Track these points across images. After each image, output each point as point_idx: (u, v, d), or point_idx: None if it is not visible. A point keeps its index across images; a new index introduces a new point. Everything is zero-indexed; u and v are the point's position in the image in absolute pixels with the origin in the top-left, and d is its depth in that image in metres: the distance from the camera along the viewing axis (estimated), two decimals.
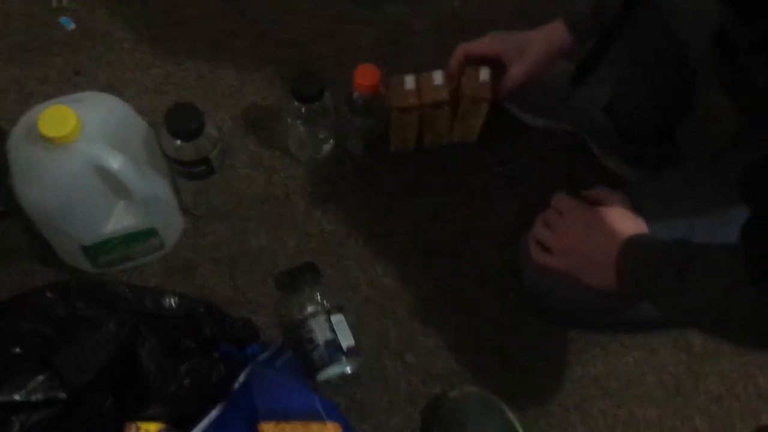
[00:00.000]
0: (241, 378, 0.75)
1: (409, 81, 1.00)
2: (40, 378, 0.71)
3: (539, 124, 1.13)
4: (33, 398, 0.70)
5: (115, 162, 0.82)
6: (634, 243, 0.79)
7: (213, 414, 0.70)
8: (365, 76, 0.97)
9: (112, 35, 1.19)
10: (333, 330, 0.89)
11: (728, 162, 0.83)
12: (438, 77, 1.01)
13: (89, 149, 0.82)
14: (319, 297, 0.92)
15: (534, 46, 0.98)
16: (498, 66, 1.02)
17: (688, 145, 1.04)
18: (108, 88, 1.13)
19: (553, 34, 0.97)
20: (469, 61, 1.02)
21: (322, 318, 0.90)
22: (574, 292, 0.88)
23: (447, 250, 1.06)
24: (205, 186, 1.00)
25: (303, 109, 1.01)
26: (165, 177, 0.95)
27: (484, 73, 1.01)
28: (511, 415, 0.89)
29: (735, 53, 0.64)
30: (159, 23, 1.20)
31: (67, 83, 1.15)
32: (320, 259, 1.03)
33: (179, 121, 0.89)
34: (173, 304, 0.81)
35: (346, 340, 0.89)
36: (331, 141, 1.10)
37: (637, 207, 0.86)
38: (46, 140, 0.80)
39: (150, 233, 0.95)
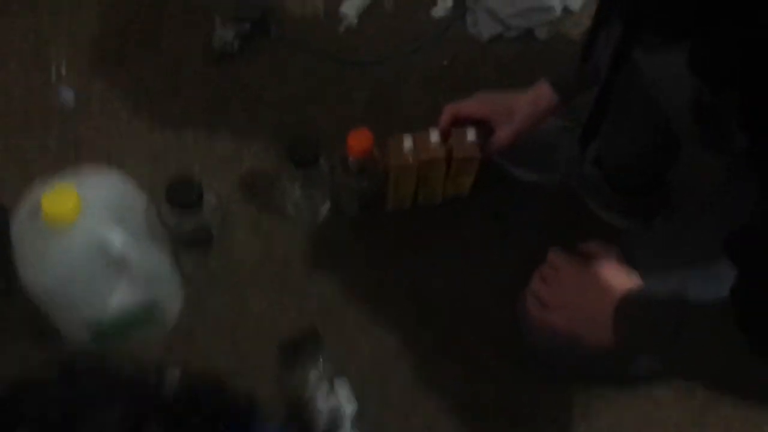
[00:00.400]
0: None
1: (407, 140, 1.02)
2: None
3: (531, 178, 1.15)
4: None
5: (117, 240, 0.84)
6: (629, 300, 0.80)
7: None
8: (359, 140, 0.99)
9: (111, 104, 1.22)
10: (336, 396, 0.90)
11: (718, 212, 0.84)
12: (434, 136, 1.03)
13: (92, 229, 0.84)
14: (321, 364, 0.93)
15: (520, 107, 1.00)
16: (486, 126, 1.04)
17: (677, 195, 1.06)
18: (107, 158, 1.15)
19: (539, 95, 1.00)
20: (457, 122, 1.04)
21: (325, 385, 0.90)
22: (575, 348, 0.89)
23: (446, 307, 1.06)
24: (205, 254, 1.01)
25: (299, 173, 1.03)
26: (166, 249, 0.97)
27: (471, 134, 1.03)
28: None
29: (712, 120, 0.66)
30: (156, 90, 1.23)
31: (66, 154, 1.17)
32: (322, 322, 1.04)
33: (179, 194, 0.91)
34: (175, 380, 0.82)
35: (350, 406, 0.90)
36: (328, 203, 1.12)
37: (630, 260, 0.87)
38: (51, 221, 0.81)
39: (152, 306, 0.96)
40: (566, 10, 1.30)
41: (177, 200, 0.91)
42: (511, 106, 1.00)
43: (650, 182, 1.07)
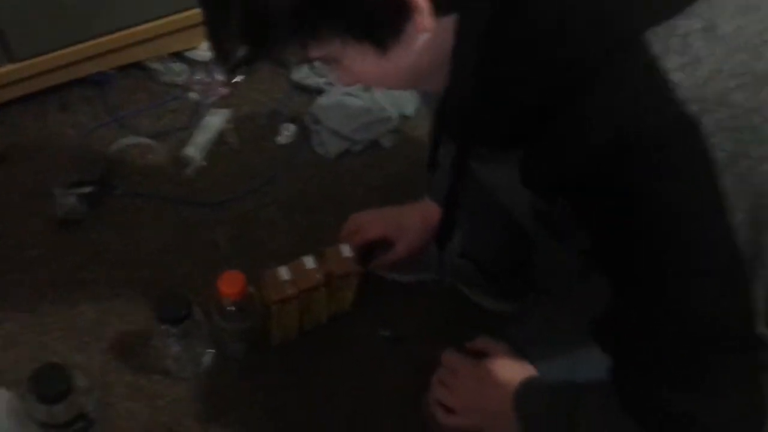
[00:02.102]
0: None
1: (283, 272, 1.01)
2: None
3: (407, 280, 1.17)
4: None
5: None
6: (524, 391, 0.83)
7: None
8: (230, 283, 0.97)
9: None
10: None
11: (584, 295, 0.89)
12: (309, 262, 1.02)
13: None
14: None
15: (412, 223, 1.05)
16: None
17: (543, 274, 1.12)
18: None
19: (427, 213, 1.04)
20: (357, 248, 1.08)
21: None
22: None
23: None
24: None
25: (173, 329, 0.98)
26: None
27: (346, 250, 1.04)
28: None
29: (552, 223, 0.71)
30: (2, 272, 1.15)
31: None
32: None
33: (45, 386, 0.84)
34: None
35: None
36: (210, 351, 1.07)
37: (518, 350, 0.90)
38: None
39: None
40: (402, 116, 1.37)
41: (44, 394, 0.84)
42: (401, 221, 1.05)
43: (516, 265, 1.12)
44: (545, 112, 0.56)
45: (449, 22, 0.58)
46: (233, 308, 1.00)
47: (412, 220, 1.06)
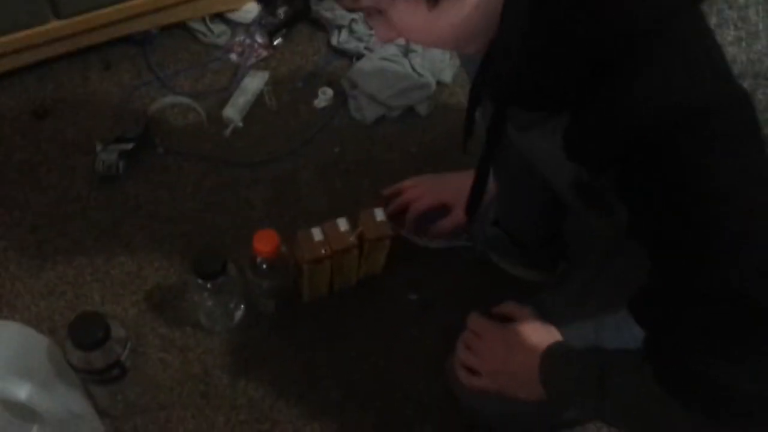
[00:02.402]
0: None
1: (317, 233, 1.02)
2: None
3: (438, 245, 1.17)
4: None
5: (22, 392, 0.78)
6: (551, 355, 0.83)
7: None
8: (265, 242, 0.98)
9: None
10: None
11: (616, 264, 0.88)
12: (343, 224, 1.03)
13: None
14: None
15: (468, 187, 1.04)
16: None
17: (575, 244, 1.11)
18: None
19: None
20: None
21: None
22: (511, 407, 0.90)
23: (378, 390, 1.05)
24: (119, 385, 0.96)
25: (208, 284, 1.00)
26: (77, 388, 0.91)
27: (379, 213, 1.05)
28: None
29: (592, 195, 0.70)
30: (43, 225, 1.18)
31: None
32: (253, 429, 1.00)
33: (83, 333, 0.86)
34: None
35: None
36: (242, 306, 1.09)
37: (545, 315, 0.90)
38: None
39: None
40: (440, 83, 1.37)
41: (82, 341, 0.86)
42: (458, 188, 1.04)
43: (548, 235, 1.12)
44: (595, 75, 0.55)
45: None
46: (266, 266, 1.02)
47: (467, 186, 1.05)
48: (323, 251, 1.01)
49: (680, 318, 0.61)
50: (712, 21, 0.51)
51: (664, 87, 0.52)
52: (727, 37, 0.51)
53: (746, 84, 0.51)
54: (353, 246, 1.03)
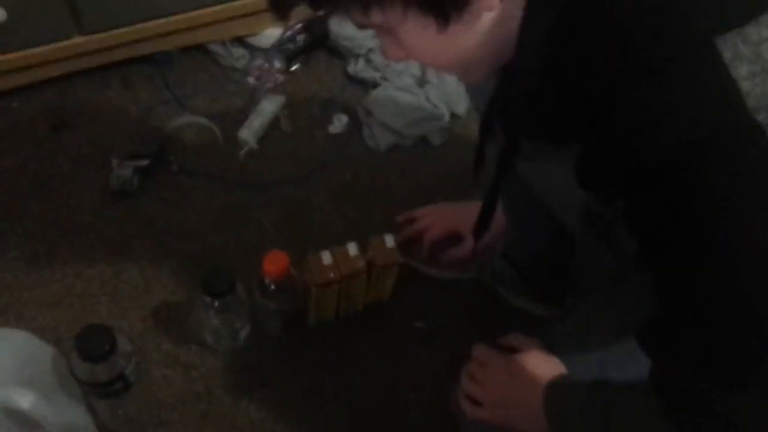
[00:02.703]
0: None
1: (327, 256, 1.02)
2: None
3: (446, 276, 1.17)
4: None
5: (25, 401, 0.78)
6: (555, 388, 0.82)
7: None
8: (274, 263, 0.99)
9: (5, 256, 1.16)
10: None
11: (623, 297, 0.89)
12: (353, 249, 1.04)
13: None
14: None
15: None
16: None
17: (582, 278, 1.11)
18: (6, 310, 1.09)
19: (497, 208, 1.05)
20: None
21: None
22: None
23: (381, 418, 1.04)
24: (122, 400, 0.96)
25: (216, 303, 1.00)
26: (79, 400, 0.91)
27: (390, 240, 1.05)
28: None
29: (602, 226, 0.71)
30: (54, 236, 1.18)
31: None
32: None
33: (89, 345, 0.86)
34: None
35: None
36: (248, 327, 1.09)
37: (551, 347, 0.90)
38: None
39: None
40: (454, 115, 1.38)
41: (88, 353, 0.86)
42: (471, 217, 1.03)
43: (555, 270, 1.12)
44: (609, 102, 0.56)
45: (516, 3, 0.59)
46: (274, 287, 1.02)
47: None
48: (332, 275, 1.01)
49: (688, 349, 0.61)
50: (727, 56, 0.52)
51: (678, 118, 0.53)
52: (741, 72, 0.52)
53: (760, 118, 0.51)
54: (362, 271, 1.03)
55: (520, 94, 0.63)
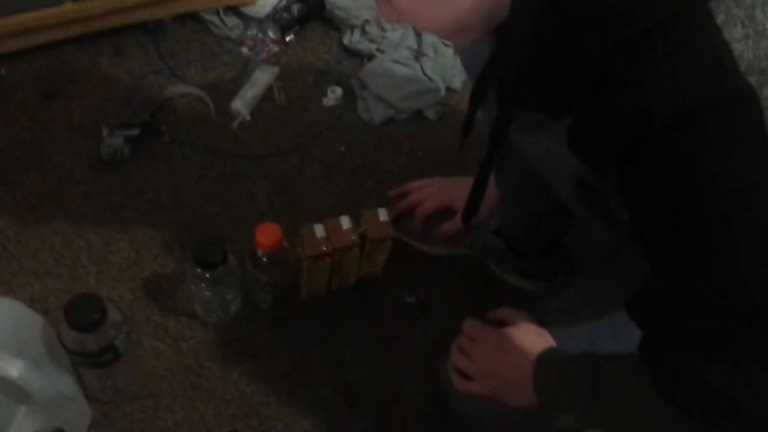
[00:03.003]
0: None
1: (319, 229, 1.02)
2: None
3: (438, 252, 1.17)
4: None
5: (14, 370, 0.78)
6: (545, 361, 0.82)
7: None
8: (267, 235, 0.98)
9: None
10: None
11: (616, 270, 0.89)
12: (346, 222, 1.03)
13: None
14: None
15: None
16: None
17: (577, 253, 1.11)
18: None
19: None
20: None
21: None
22: (503, 413, 0.89)
23: (371, 391, 1.04)
24: (111, 370, 0.95)
25: (207, 274, 1.00)
26: (68, 370, 0.90)
27: (383, 214, 1.04)
28: None
29: (595, 197, 0.70)
30: (43, 205, 1.17)
31: None
32: (242, 424, 1.00)
33: (79, 314, 0.86)
34: None
35: None
36: (239, 299, 1.09)
37: (541, 320, 0.90)
38: None
39: None
40: (449, 89, 1.37)
41: (77, 323, 0.86)
42: (462, 193, 1.03)
43: (549, 246, 1.12)
44: (602, 72, 0.55)
45: None
46: (266, 260, 1.02)
47: None
48: (324, 248, 1.01)
49: (678, 318, 0.61)
50: (720, 18, 0.51)
51: (670, 84, 0.52)
52: (734, 35, 0.51)
53: (753, 80, 0.51)
54: (355, 244, 1.03)
55: (512, 62, 0.63)
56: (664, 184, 0.55)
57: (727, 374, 0.59)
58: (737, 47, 0.51)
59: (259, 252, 1.01)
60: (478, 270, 1.16)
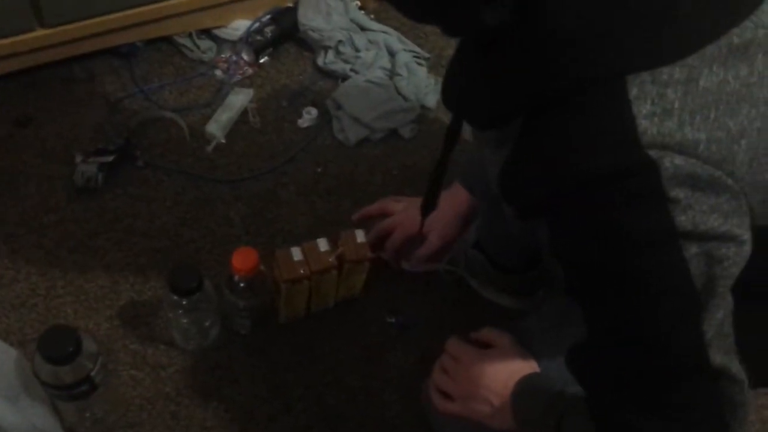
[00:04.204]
0: None
1: (296, 252, 1.01)
2: None
3: (417, 270, 1.16)
4: None
5: None
6: (522, 390, 0.83)
7: None
8: (243, 260, 0.98)
9: None
10: None
11: None
12: (323, 244, 1.03)
13: None
14: None
15: (442, 213, 1.03)
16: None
17: (554, 268, 1.11)
18: None
19: (457, 197, 1.04)
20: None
21: None
22: None
23: (351, 415, 1.04)
24: (88, 402, 0.94)
25: (184, 301, 0.99)
26: (44, 404, 0.89)
27: (360, 235, 1.04)
28: None
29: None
30: (18, 234, 1.16)
31: None
32: None
33: (53, 346, 0.84)
34: None
35: None
36: (217, 325, 1.08)
37: (523, 342, 0.90)
38: None
39: None
40: (424, 107, 1.37)
41: (51, 355, 0.84)
42: (435, 215, 1.03)
43: (528, 259, 1.12)
44: (527, 112, 0.58)
45: None
46: (244, 284, 1.01)
47: (443, 210, 1.05)
48: (302, 271, 1.00)
49: (610, 373, 0.64)
50: (633, 92, 0.54)
51: (581, 147, 0.55)
52: (642, 110, 0.54)
53: (653, 153, 0.54)
54: (332, 267, 1.02)
55: (461, 68, 0.65)
56: (581, 238, 0.59)
57: (657, 427, 0.62)
58: (642, 123, 0.54)
59: (236, 277, 1.00)
60: (459, 287, 1.16)
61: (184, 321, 1.02)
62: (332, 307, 1.12)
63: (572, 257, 0.61)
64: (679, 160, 0.53)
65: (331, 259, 1.02)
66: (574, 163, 0.56)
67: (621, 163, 0.54)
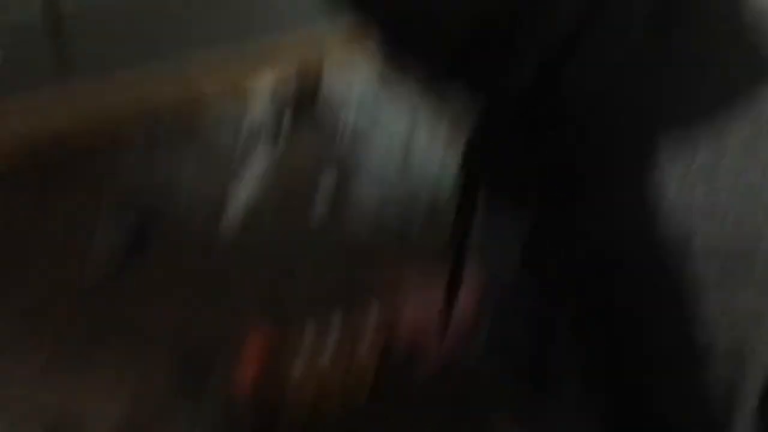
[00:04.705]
0: None
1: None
2: None
3: None
4: None
5: None
6: None
7: None
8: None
9: None
10: None
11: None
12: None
13: None
14: None
15: None
16: None
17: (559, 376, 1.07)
18: None
19: None
20: None
21: None
22: None
23: None
24: None
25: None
26: None
27: None
28: None
29: None
30: (21, 328, 1.15)
31: None
32: None
33: None
34: None
35: None
36: None
37: None
38: None
39: None
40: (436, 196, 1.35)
41: None
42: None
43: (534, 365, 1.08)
44: (552, 196, 0.57)
45: None
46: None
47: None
48: None
49: None
50: (657, 176, 0.53)
51: (598, 227, 0.55)
52: (668, 194, 0.53)
53: (680, 236, 0.53)
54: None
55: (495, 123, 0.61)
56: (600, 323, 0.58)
57: None
58: (667, 205, 0.53)
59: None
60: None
61: None
62: None
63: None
64: (707, 248, 0.54)
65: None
66: (595, 241, 0.56)
67: (646, 246, 0.54)
